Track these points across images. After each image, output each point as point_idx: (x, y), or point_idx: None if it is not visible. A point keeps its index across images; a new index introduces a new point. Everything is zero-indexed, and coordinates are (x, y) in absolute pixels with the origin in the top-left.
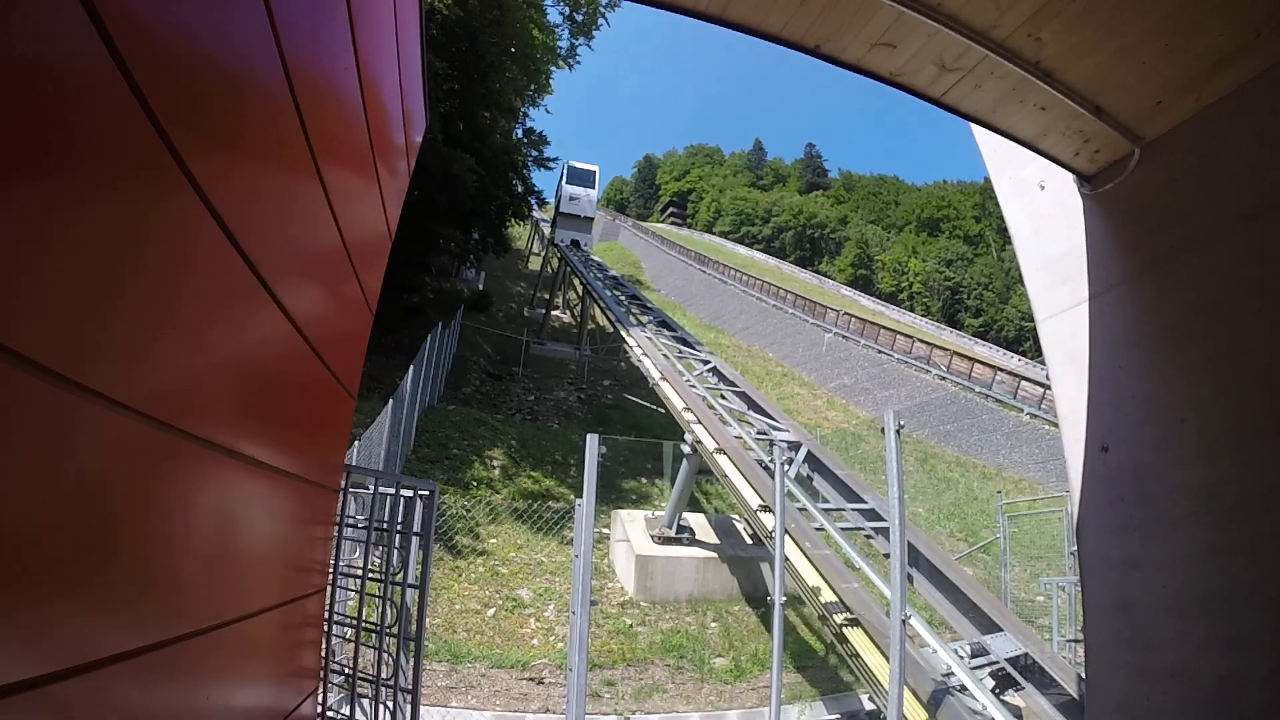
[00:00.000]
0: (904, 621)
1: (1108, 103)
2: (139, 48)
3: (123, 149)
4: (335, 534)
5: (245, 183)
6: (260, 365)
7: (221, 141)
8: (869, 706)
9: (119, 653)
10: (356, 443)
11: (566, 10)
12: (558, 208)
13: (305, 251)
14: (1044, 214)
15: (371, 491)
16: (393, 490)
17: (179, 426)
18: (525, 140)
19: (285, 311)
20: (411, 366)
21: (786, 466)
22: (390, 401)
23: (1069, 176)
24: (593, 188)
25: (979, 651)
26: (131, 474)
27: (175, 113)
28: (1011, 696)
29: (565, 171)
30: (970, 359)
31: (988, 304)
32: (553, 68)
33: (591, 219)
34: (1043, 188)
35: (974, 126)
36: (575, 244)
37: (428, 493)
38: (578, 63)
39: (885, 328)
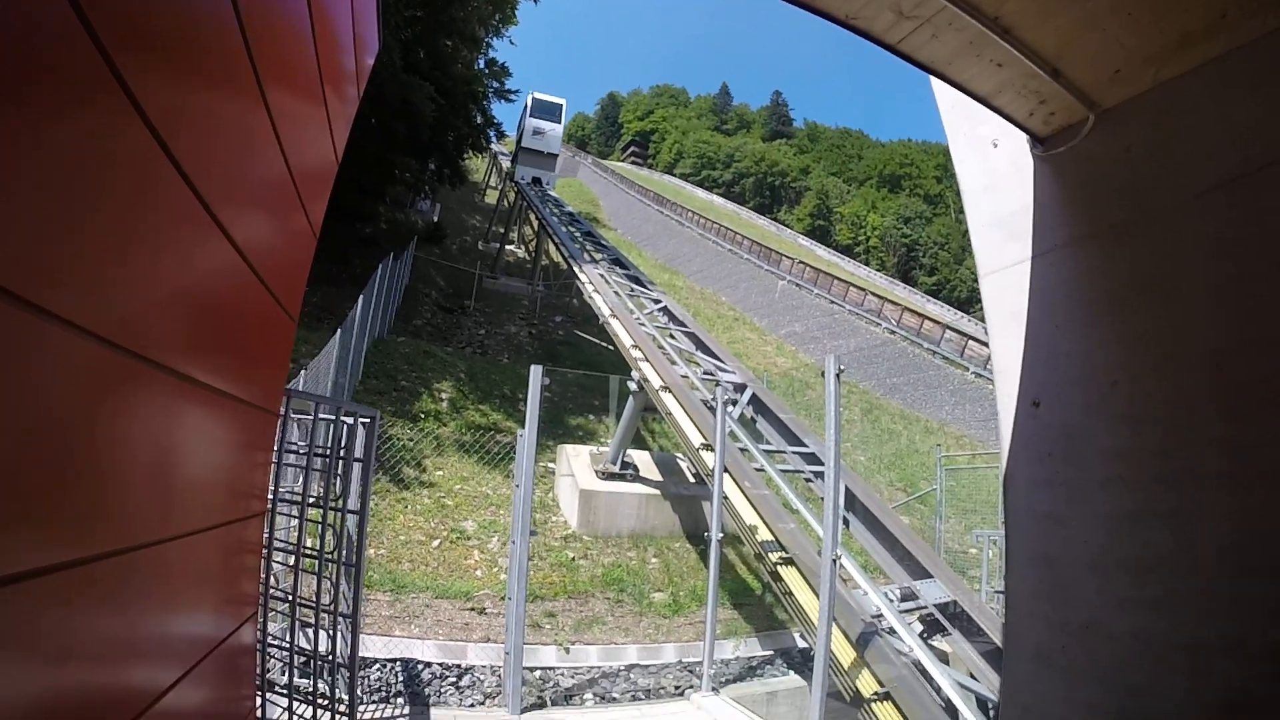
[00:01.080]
0: (835, 561)
1: (1066, 66)
2: None
3: (67, 75)
4: (275, 459)
5: (189, 107)
6: (202, 287)
7: (166, 65)
8: (801, 644)
9: (35, 568)
10: (303, 372)
11: None
12: (520, 142)
13: (249, 177)
14: (997, 172)
15: (312, 418)
16: (334, 416)
17: (115, 341)
18: (487, 71)
19: (228, 234)
20: (361, 296)
21: (731, 408)
22: (338, 331)
23: (1024, 136)
24: (558, 122)
25: (909, 596)
26: (68, 389)
27: (119, 36)
28: (938, 641)
29: (529, 103)
30: (921, 315)
31: (942, 264)
32: None
33: (556, 155)
34: (996, 145)
35: (933, 81)
36: (536, 181)
37: (368, 419)
38: None
39: (839, 279)
